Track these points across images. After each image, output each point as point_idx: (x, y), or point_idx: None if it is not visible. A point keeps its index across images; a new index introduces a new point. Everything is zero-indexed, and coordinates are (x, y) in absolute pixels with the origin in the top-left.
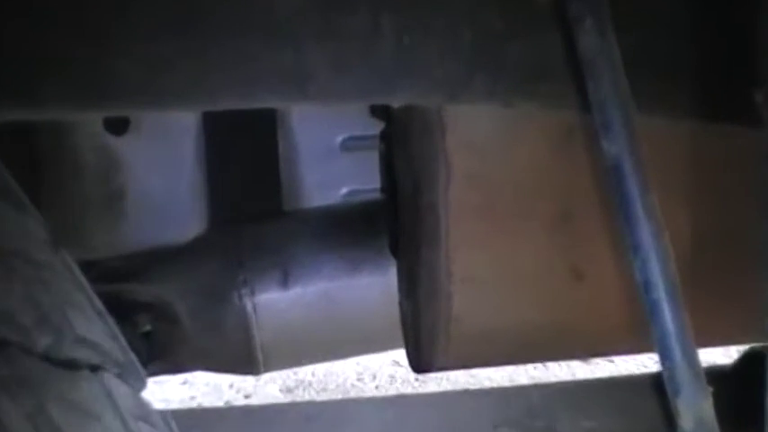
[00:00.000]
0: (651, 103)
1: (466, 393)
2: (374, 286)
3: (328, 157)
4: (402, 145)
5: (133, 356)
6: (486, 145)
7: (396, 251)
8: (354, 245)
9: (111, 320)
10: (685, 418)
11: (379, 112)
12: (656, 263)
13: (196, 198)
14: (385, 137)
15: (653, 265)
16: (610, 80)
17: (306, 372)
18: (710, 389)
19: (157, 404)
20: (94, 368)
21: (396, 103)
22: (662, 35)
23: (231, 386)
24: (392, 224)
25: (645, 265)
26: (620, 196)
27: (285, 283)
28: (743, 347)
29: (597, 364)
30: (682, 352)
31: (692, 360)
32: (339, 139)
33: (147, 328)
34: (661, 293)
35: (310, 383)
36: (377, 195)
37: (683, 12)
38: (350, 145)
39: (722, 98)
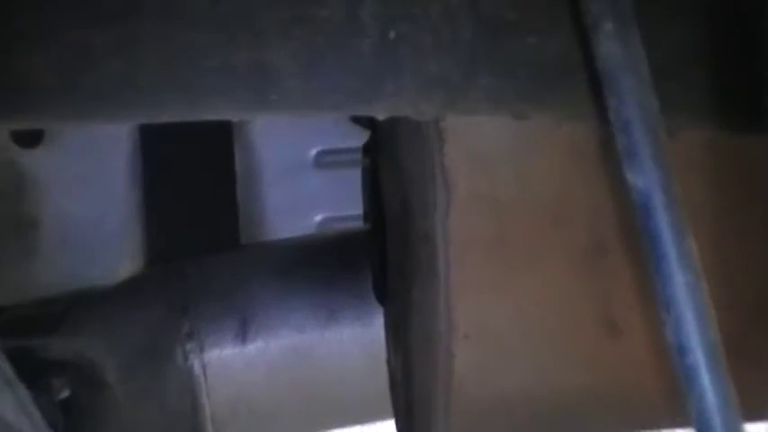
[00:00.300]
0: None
1: None
2: (355, 340)
3: (298, 175)
4: (390, 159)
5: None
6: (497, 158)
7: (382, 295)
8: (330, 287)
9: (21, 388)
10: None
11: (363, 118)
12: (693, 322)
13: (129, 227)
14: (369, 150)
15: (689, 324)
16: (635, 97)
17: None
18: None
19: None
20: None
21: (379, 113)
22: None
23: None
24: (378, 261)
25: (679, 324)
26: (650, 241)
27: (243, 336)
28: None
29: None
30: (724, 428)
31: None
32: (311, 153)
33: (66, 393)
34: (699, 358)
35: None
36: (359, 224)
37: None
38: (325, 160)
39: (739, 103)
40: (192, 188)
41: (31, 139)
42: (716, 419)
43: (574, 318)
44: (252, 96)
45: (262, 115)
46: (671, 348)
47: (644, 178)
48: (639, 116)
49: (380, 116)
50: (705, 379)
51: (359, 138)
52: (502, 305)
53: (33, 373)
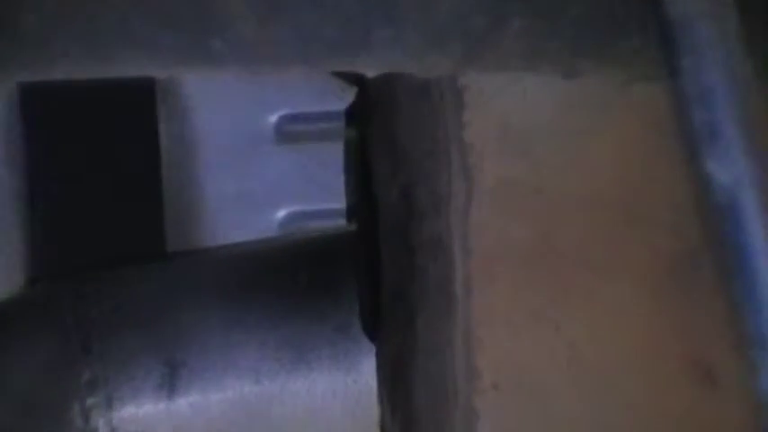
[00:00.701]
0: None
1: None
2: (333, 393)
3: (251, 152)
4: (385, 131)
5: None
6: (540, 132)
7: (373, 328)
8: (297, 316)
9: None
10: None
11: (346, 73)
12: None
13: (5, 232)
14: (354, 116)
15: None
16: (719, 56)
17: None
18: None
19: None
20: None
21: (369, 69)
22: None
23: None
24: (367, 277)
25: None
26: (737, 255)
27: (170, 385)
28: None
29: None
30: None
31: None
32: (271, 119)
33: None
34: None
35: None
36: (339, 223)
37: None
38: (290, 130)
39: None
40: (96, 175)
41: None
42: None
43: (652, 360)
44: (187, 45)
45: (200, 71)
46: (763, 397)
47: (730, 169)
48: (725, 82)
49: (370, 73)
50: None
51: (339, 99)
52: (546, 342)
53: None
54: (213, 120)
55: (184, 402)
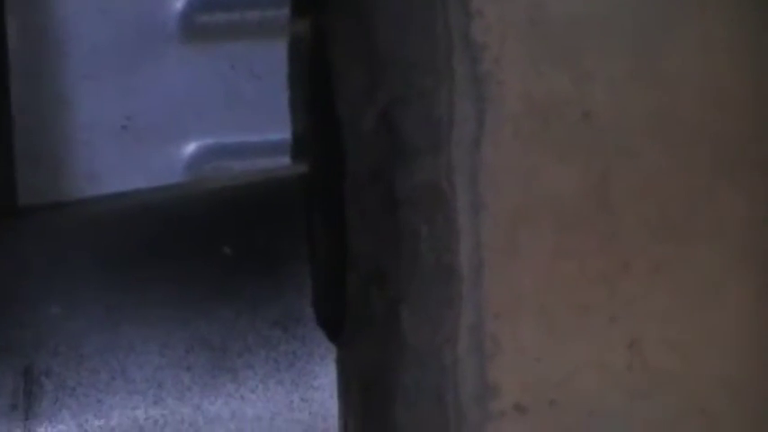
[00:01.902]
0: None
1: None
2: (271, 414)
3: (145, 56)
4: (355, 25)
5: None
6: (585, 29)
7: (332, 322)
8: (217, 303)
9: None
10: None
11: None
12: None
13: None
14: (307, 1)
15: None
16: None
17: None
18: None
19: None
20: None
21: None
22: None
23: None
24: (324, 245)
25: None
26: None
27: (27, 405)
28: None
29: None
30: None
31: None
32: (174, 6)
33: None
34: None
35: None
36: (281, 163)
37: None
38: (203, 23)
39: None
40: None
41: None
42: None
43: (751, 364)
44: None
45: None
46: None
47: None
48: None
49: None
50: None
51: None
52: (596, 342)
53: None
54: (88, 6)
55: (47, 429)
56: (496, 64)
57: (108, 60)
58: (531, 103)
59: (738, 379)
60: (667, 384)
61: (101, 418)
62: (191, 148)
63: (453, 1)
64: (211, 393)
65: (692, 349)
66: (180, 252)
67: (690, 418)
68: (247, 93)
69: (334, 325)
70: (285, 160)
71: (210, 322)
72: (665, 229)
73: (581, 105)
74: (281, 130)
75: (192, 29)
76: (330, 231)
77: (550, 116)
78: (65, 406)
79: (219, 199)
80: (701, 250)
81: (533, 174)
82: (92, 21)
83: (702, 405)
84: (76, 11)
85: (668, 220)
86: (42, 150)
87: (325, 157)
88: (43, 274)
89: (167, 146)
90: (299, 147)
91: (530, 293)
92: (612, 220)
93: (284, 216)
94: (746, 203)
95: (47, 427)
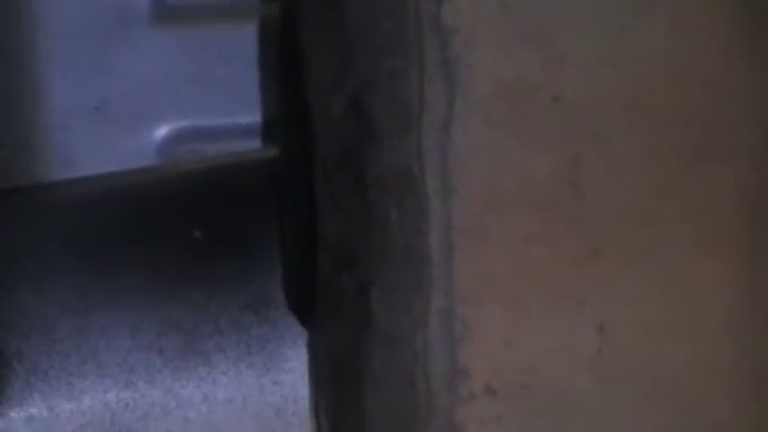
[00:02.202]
0: None
1: None
2: (243, 398)
3: (117, 38)
4: (325, 7)
5: None
6: (557, 9)
7: (302, 305)
8: (188, 286)
9: None
10: None
11: None
12: None
13: None
14: None
15: None
16: None
17: None
18: None
19: None
20: None
21: None
22: None
23: None
24: (294, 227)
25: None
26: None
27: None
28: None
29: None
30: None
31: None
32: None
33: None
34: None
35: None
36: (252, 146)
37: None
38: (174, 5)
39: None
40: None
41: None
42: None
43: (729, 352)
44: None
45: None
46: None
47: None
48: None
49: None
50: None
51: None
52: (566, 326)
53: None
54: None
55: (19, 415)
56: (466, 47)
57: (80, 43)
58: (502, 87)
59: (708, 361)
60: (637, 368)
61: (72, 401)
62: (163, 131)
63: None
64: (183, 376)
65: (661, 332)
66: (151, 236)
67: (659, 400)
68: (219, 76)
69: (305, 308)
70: (257, 143)
71: (182, 306)
72: (636, 214)
73: (551, 89)
74: (252, 113)
75: (163, 12)
76: (300, 215)
77: (521, 100)
78: (36, 389)
79: (190, 182)
80: (671, 235)
81: (503, 158)
82: (64, 4)
83: (672, 388)
84: None
85: (639, 205)
86: (15, 135)
87: (295, 140)
88: (14, 258)
89: (139, 129)
90: (269, 130)
91: (500, 278)
92: (583, 205)
93: (255, 199)
94: (717, 187)
95: (17, 410)
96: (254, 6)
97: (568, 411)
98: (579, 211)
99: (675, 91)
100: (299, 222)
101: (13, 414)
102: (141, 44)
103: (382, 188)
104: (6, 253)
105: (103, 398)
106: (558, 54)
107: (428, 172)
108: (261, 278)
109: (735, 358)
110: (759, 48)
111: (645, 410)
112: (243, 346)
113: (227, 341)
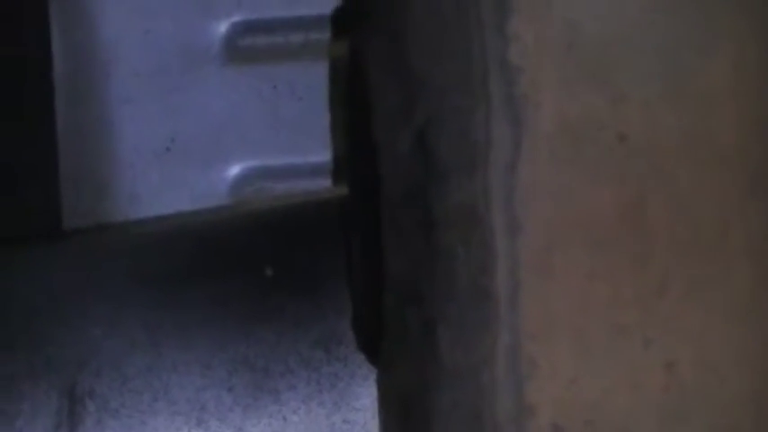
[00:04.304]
0: None
1: None
2: None
3: (190, 77)
4: (392, 48)
5: None
6: (621, 52)
7: (371, 343)
8: (259, 324)
9: None
10: None
11: None
12: None
13: None
14: (345, 24)
15: None
16: None
17: None
18: None
19: None
20: None
21: None
22: None
23: None
24: (363, 267)
25: None
26: None
27: (71, 426)
28: None
29: None
30: None
31: None
32: (219, 29)
33: None
34: None
35: None
36: (321, 185)
37: None
38: (246, 45)
39: None
40: None
41: None
42: None
43: None
44: None
45: None
46: None
47: None
48: None
49: None
50: None
51: (320, 0)
52: (632, 364)
53: None
54: (132, 29)
55: None
56: (532, 86)
57: (152, 83)
58: (567, 126)
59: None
60: (702, 405)
61: None
62: (234, 170)
63: (489, 24)
64: (253, 415)
65: (727, 369)
66: (221, 273)
67: None
68: (290, 114)
69: (373, 346)
70: (327, 182)
71: (252, 343)
72: (699, 250)
73: (615, 127)
74: (323, 152)
75: (234, 51)
76: (367, 252)
77: (585, 138)
78: (108, 426)
79: (261, 220)
80: (734, 270)
81: (568, 195)
82: (136, 43)
83: (736, 424)
84: (121, 33)
85: (702, 241)
86: (87, 173)
87: (362, 178)
88: (86, 296)
89: (210, 168)
90: (337, 170)
91: (565, 315)
92: (646, 242)
93: (325, 237)
94: None
95: None
96: (324, 45)
97: None
98: (643, 247)
99: (735, 129)
100: (366, 260)
101: None
102: (212, 84)
103: (448, 225)
104: (77, 291)
105: None
106: (621, 93)
107: (494, 209)
108: (331, 316)
109: None
110: None
111: None
112: (313, 384)
113: (298, 379)
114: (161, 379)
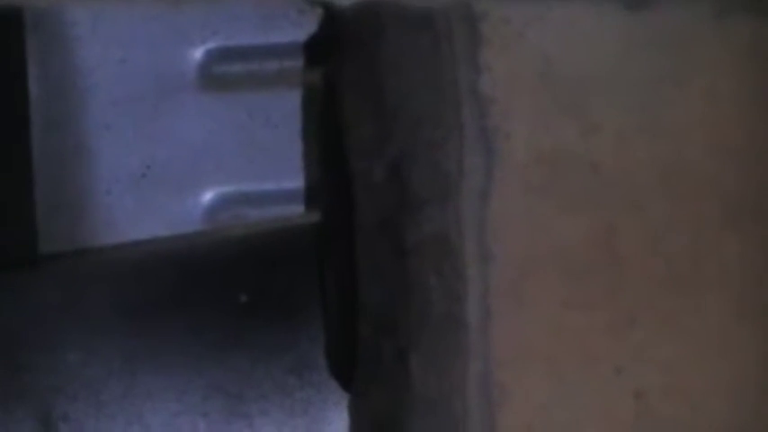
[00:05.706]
0: None
1: None
2: None
3: (165, 105)
4: (366, 78)
5: None
6: (592, 84)
7: (344, 370)
8: (233, 350)
9: None
10: None
11: None
12: None
13: None
14: (320, 53)
15: None
16: None
17: None
18: None
19: None
20: None
21: None
22: None
23: None
24: (335, 294)
25: None
26: None
27: None
28: None
29: None
30: None
31: None
32: (194, 56)
33: None
34: None
35: None
36: (294, 211)
37: None
38: (221, 73)
39: None
40: None
41: None
42: None
43: (756, 418)
44: None
45: None
46: None
47: None
48: None
49: None
50: None
51: (292, 27)
52: (603, 392)
53: None
54: (108, 57)
55: None
56: (504, 117)
57: (127, 110)
58: (539, 156)
59: (746, 427)
60: None
61: None
62: (208, 196)
63: (461, 55)
64: None
65: (698, 399)
66: (196, 300)
67: None
68: (264, 141)
69: (346, 372)
70: (301, 208)
71: (227, 370)
72: (672, 281)
73: (588, 157)
74: (297, 179)
75: (209, 78)
76: (341, 280)
77: (558, 168)
78: None
79: (235, 247)
80: (707, 301)
81: (541, 225)
82: (111, 71)
83: None
84: (96, 61)
85: (674, 272)
86: (62, 199)
87: (336, 207)
88: (62, 322)
89: (186, 194)
90: (311, 196)
91: (537, 343)
92: (619, 272)
93: (299, 264)
94: (753, 255)
95: None
96: (299, 73)
97: None
98: (615, 277)
99: (709, 160)
100: (339, 288)
101: None
102: (187, 111)
103: (421, 255)
104: (53, 316)
105: None
106: (594, 123)
107: (466, 239)
108: (305, 342)
109: None
110: None
111: None
112: (287, 409)
113: (271, 405)
114: (135, 404)
